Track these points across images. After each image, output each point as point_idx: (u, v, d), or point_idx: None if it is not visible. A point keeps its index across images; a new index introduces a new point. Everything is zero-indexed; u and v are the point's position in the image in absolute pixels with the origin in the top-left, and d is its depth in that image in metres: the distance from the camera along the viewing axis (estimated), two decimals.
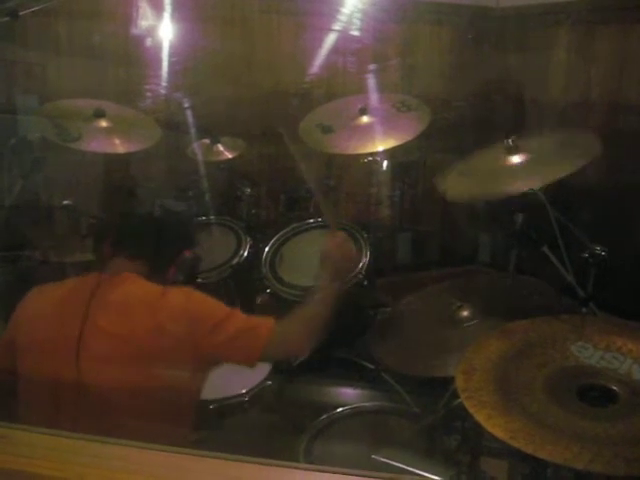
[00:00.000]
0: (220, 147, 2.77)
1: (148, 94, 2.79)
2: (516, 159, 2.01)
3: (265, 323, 1.50)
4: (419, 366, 1.86)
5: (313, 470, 0.94)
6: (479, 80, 3.35)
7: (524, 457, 1.31)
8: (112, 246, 1.57)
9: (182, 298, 1.49)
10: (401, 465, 1.49)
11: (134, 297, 1.50)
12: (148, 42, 2.66)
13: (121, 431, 1.02)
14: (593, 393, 1.34)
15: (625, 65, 2.87)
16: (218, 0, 3.14)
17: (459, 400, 1.33)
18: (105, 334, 1.44)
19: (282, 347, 1.56)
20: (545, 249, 1.80)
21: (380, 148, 2.48)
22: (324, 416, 1.77)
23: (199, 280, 1.84)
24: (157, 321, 1.44)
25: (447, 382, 1.64)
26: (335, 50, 2.87)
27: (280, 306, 2.28)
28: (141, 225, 1.67)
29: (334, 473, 0.89)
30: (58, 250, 2.49)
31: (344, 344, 2.27)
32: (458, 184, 2.12)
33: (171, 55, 2.63)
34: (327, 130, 2.54)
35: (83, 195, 2.66)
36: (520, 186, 1.85)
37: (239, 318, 1.50)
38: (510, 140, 2.02)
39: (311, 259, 2.35)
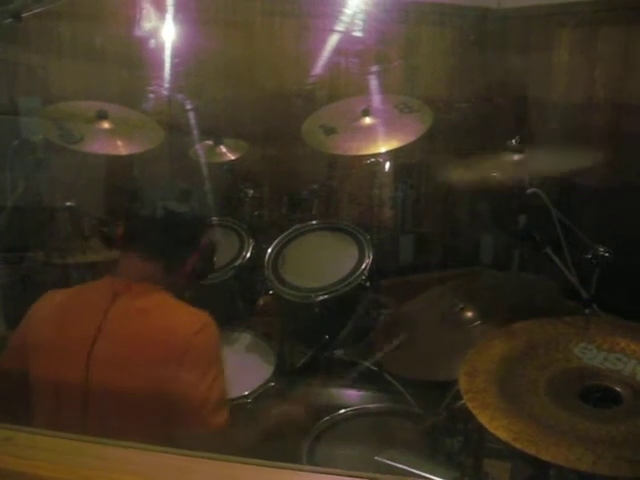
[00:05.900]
0: (223, 149, 2.77)
1: (151, 96, 2.79)
2: (519, 157, 2.03)
3: (224, 417, 1.44)
4: (422, 368, 1.86)
5: (316, 472, 0.93)
6: (481, 81, 3.35)
7: (527, 459, 1.31)
8: (123, 247, 1.55)
9: (195, 330, 1.43)
10: (404, 467, 1.49)
11: (151, 310, 1.48)
12: (151, 44, 2.66)
13: (125, 436, 1.02)
14: (596, 394, 1.34)
15: (629, 66, 2.87)
16: (220, 2, 3.14)
17: (462, 401, 1.33)
18: (119, 343, 1.43)
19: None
20: (548, 250, 1.80)
21: (382, 149, 2.47)
22: (327, 418, 1.76)
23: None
24: (163, 337, 1.43)
25: (450, 383, 1.64)
26: (337, 51, 2.87)
27: (282, 307, 2.28)
28: (154, 226, 1.59)
29: (337, 475, 0.88)
30: (60, 252, 2.50)
31: (347, 346, 2.27)
32: (460, 171, 2.13)
33: (174, 57, 2.63)
34: (329, 131, 2.54)
35: (85, 197, 2.67)
36: (521, 174, 1.86)
37: (221, 386, 1.45)
38: (514, 140, 2.03)
39: (313, 261, 2.37)
